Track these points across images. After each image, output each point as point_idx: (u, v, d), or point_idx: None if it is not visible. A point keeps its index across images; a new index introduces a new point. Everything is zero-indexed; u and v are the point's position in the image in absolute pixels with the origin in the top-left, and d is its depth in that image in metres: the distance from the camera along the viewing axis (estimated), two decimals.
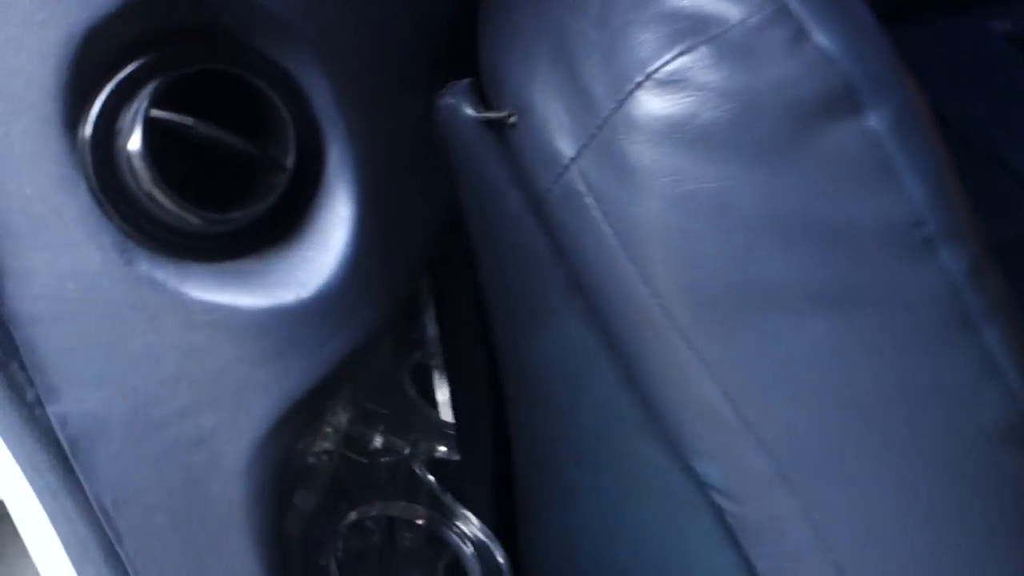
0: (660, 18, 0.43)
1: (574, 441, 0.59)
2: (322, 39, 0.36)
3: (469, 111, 0.49)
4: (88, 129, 0.32)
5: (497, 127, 0.49)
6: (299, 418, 0.37)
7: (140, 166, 0.31)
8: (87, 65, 0.31)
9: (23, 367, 0.35)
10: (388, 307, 0.39)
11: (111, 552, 0.39)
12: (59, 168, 0.32)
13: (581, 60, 0.45)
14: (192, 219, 0.33)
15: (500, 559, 0.54)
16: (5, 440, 0.37)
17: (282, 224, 0.36)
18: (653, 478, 0.59)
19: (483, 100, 0.51)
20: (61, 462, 0.37)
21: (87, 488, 0.38)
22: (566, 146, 0.46)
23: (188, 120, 0.32)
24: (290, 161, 0.35)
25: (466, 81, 0.50)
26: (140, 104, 0.31)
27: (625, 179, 0.44)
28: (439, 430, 0.56)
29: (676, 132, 0.42)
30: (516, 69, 0.47)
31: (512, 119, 0.47)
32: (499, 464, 0.64)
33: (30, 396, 0.36)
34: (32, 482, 0.38)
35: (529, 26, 0.47)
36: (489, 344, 0.56)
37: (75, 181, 0.32)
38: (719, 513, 0.60)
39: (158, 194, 0.32)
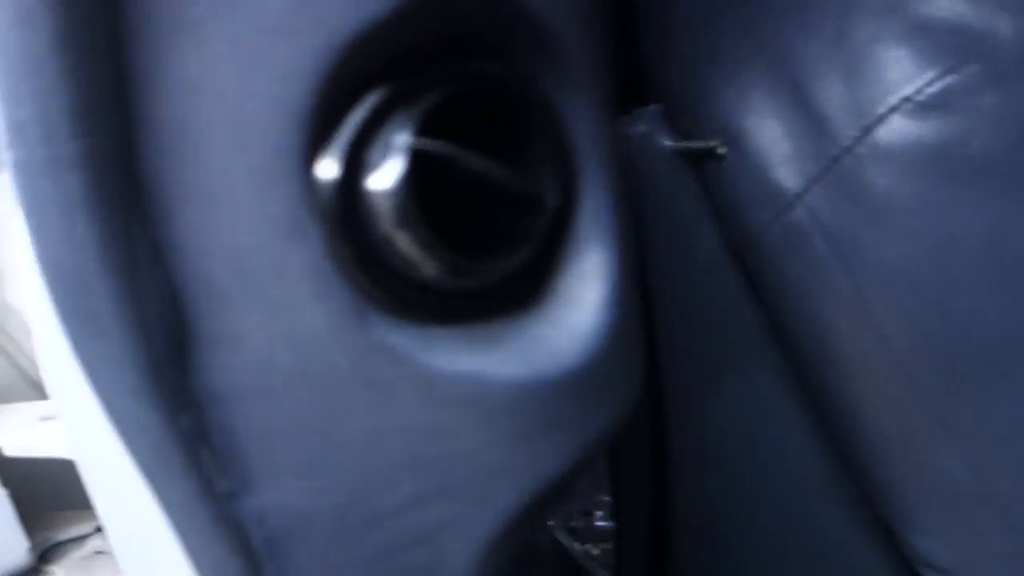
0: (915, 32, 0.37)
1: (744, 509, 0.53)
2: (583, 57, 0.30)
3: (666, 141, 0.43)
4: (333, 163, 0.26)
5: (697, 159, 0.43)
6: (540, 513, 0.31)
7: (398, 206, 0.25)
8: (341, 86, 0.25)
9: (215, 453, 0.29)
10: (641, 379, 0.33)
11: None
12: (290, 211, 0.26)
13: (811, 81, 0.39)
14: (454, 272, 0.27)
15: None
16: (188, 544, 0.31)
17: (535, 278, 0.30)
18: (834, 554, 0.53)
19: (673, 128, 0.45)
20: (252, 569, 0.31)
21: None
22: (791, 180, 0.40)
23: (456, 152, 0.26)
24: (553, 201, 0.29)
25: (655, 107, 0.44)
26: (399, 132, 0.25)
27: (869, 217, 0.38)
28: (591, 496, 0.49)
29: (941, 163, 0.37)
30: (722, 93, 0.41)
31: (721, 150, 0.41)
32: (653, 533, 0.58)
33: (221, 488, 0.30)
34: None
35: (736, 45, 0.42)
36: (656, 405, 0.50)
37: (307, 228, 0.26)
38: None
39: (419, 240, 0.25)
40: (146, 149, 0.25)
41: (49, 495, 0.39)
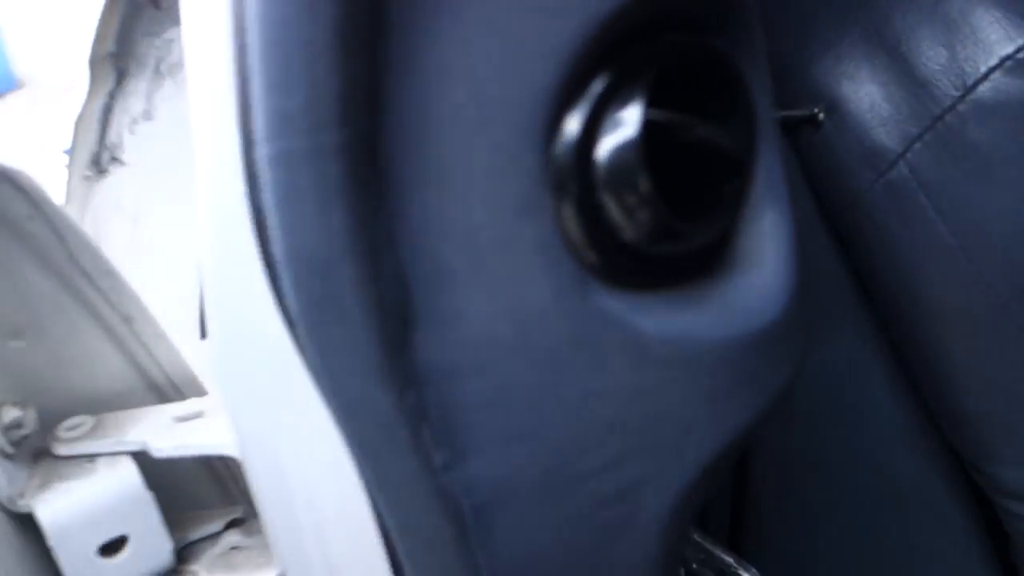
0: None
1: (826, 459, 0.56)
2: (759, 27, 0.32)
3: None
4: (570, 138, 0.27)
5: (792, 127, 0.46)
6: (724, 465, 0.33)
7: (631, 175, 0.26)
8: (583, 63, 0.26)
9: (432, 429, 0.30)
10: (812, 338, 0.35)
11: None
12: (526, 187, 0.27)
13: (911, 48, 0.42)
14: (674, 237, 0.28)
15: None
16: (399, 517, 0.32)
17: (725, 240, 0.32)
18: (911, 496, 0.56)
19: None
20: (460, 535, 0.32)
21: (481, 562, 0.33)
22: (892, 140, 0.42)
23: (685, 120, 0.28)
24: (751, 165, 0.31)
25: None
26: (630, 104, 0.26)
27: (971, 171, 0.41)
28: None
29: None
30: (818, 63, 0.43)
31: (820, 116, 0.44)
32: (734, 486, 0.60)
33: (436, 462, 0.31)
34: (415, 556, 0.33)
35: (830, 17, 0.44)
36: None
37: (541, 202, 0.27)
38: (975, 525, 0.58)
39: (648, 207, 0.27)
40: (389, 136, 0.26)
41: (181, 495, 0.39)
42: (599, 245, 0.28)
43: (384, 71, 0.25)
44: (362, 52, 0.24)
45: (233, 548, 0.46)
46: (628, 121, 0.27)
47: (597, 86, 0.27)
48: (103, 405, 0.44)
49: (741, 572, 0.52)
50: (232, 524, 0.47)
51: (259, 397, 0.34)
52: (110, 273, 0.38)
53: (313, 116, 0.25)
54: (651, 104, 0.27)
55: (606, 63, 0.27)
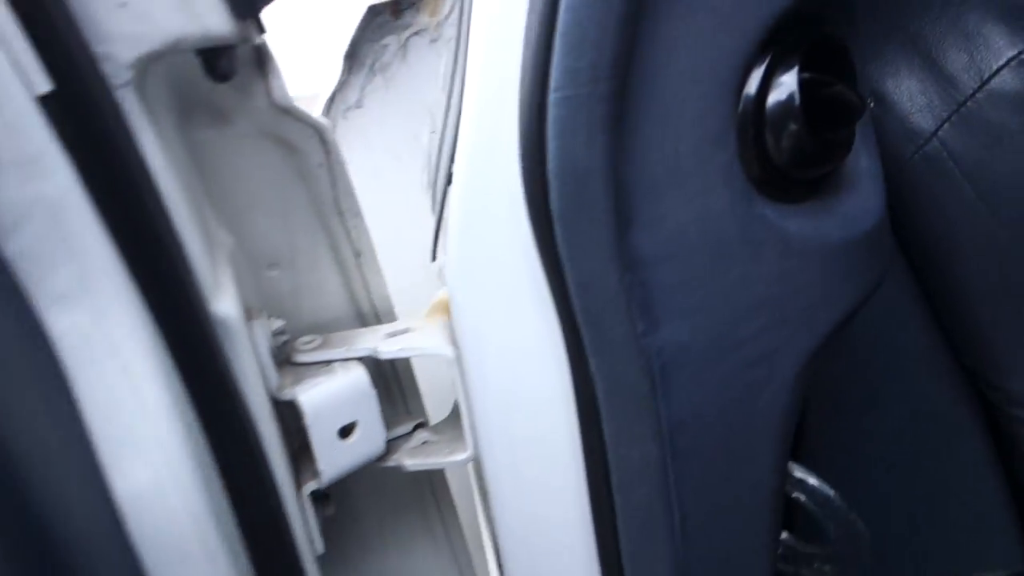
0: (1012, 12, 0.55)
1: (861, 382, 0.69)
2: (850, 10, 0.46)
3: None
4: (750, 92, 0.40)
5: None
6: (836, 337, 0.46)
7: (793, 118, 0.40)
8: (764, 40, 0.39)
9: (638, 303, 0.43)
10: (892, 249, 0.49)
11: (662, 470, 0.46)
12: (720, 126, 0.40)
13: (938, 53, 0.56)
14: (814, 163, 0.42)
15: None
16: (606, 374, 0.44)
17: (842, 170, 0.45)
18: (936, 410, 0.70)
19: None
20: (650, 388, 0.44)
21: (662, 410, 0.45)
22: (927, 122, 0.57)
23: (831, 80, 0.41)
24: (859, 114, 0.44)
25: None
26: (790, 69, 0.40)
27: (987, 143, 0.55)
28: None
29: None
30: (869, 64, 0.58)
31: (871, 104, 0.58)
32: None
33: (639, 329, 0.43)
34: (614, 406, 0.44)
35: (875, 29, 0.58)
36: None
37: (727, 137, 0.40)
38: (984, 437, 0.71)
39: (801, 140, 0.40)
40: (635, 88, 0.39)
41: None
42: (763, 168, 0.42)
43: (637, 43, 0.39)
44: (628, 30, 0.38)
45: (424, 442, 0.57)
46: (788, 82, 0.40)
47: (769, 57, 0.40)
48: (321, 329, 0.56)
49: (828, 491, 0.64)
50: (418, 427, 0.59)
51: (489, 294, 0.46)
52: (357, 214, 0.51)
53: (593, 72, 0.38)
54: (802, 70, 0.40)
55: (774, 41, 0.41)
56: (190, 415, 0.40)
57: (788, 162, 0.41)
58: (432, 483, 0.66)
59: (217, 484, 0.42)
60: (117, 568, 0.37)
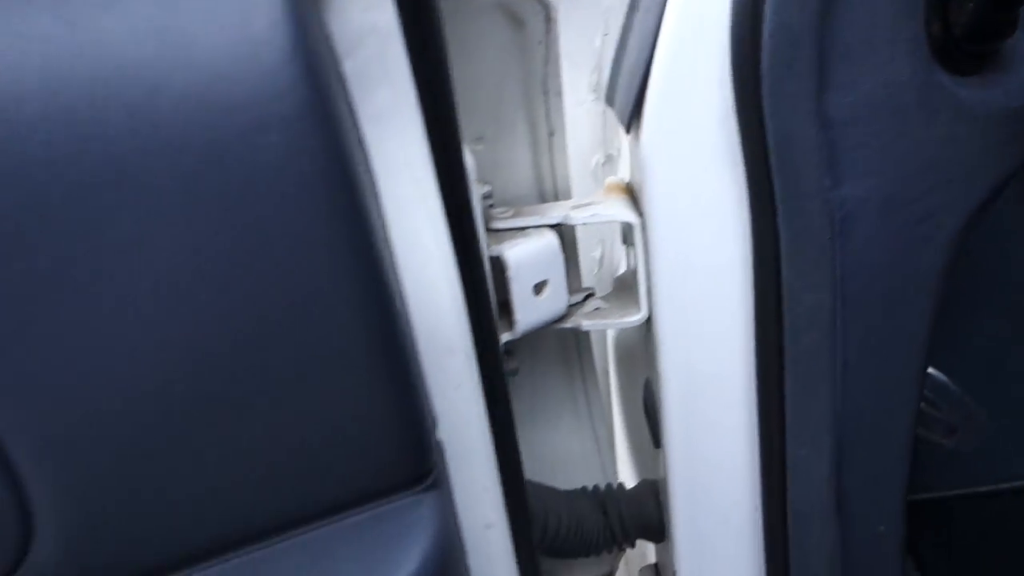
0: None
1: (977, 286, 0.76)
2: None
3: None
4: None
5: None
6: (988, 204, 0.52)
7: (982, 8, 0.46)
8: None
9: (827, 159, 0.49)
10: None
11: (831, 316, 0.53)
12: (907, 3, 0.47)
13: None
14: (987, 39, 0.48)
15: None
16: (789, 226, 0.51)
17: (1006, 49, 0.52)
18: None
19: None
20: (830, 237, 0.51)
21: (837, 259, 0.52)
22: None
23: None
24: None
25: None
26: None
27: None
28: None
29: None
30: None
31: None
32: None
33: (824, 184, 0.50)
34: (796, 252, 0.51)
35: None
36: None
37: (915, 11, 0.47)
38: None
39: (977, 17, 0.47)
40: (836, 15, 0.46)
41: None
42: (944, 40, 0.48)
43: None
44: None
45: (596, 308, 0.64)
46: None
47: None
48: (507, 204, 0.63)
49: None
50: (588, 297, 0.66)
51: (682, 157, 0.53)
52: (559, 94, 0.58)
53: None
54: None
55: None
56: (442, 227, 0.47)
57: (963, 35, 0.48)
58: (581, 362, 0.73)
59: (461, 298, 0.49)
60: (405, 350, 0.44)
